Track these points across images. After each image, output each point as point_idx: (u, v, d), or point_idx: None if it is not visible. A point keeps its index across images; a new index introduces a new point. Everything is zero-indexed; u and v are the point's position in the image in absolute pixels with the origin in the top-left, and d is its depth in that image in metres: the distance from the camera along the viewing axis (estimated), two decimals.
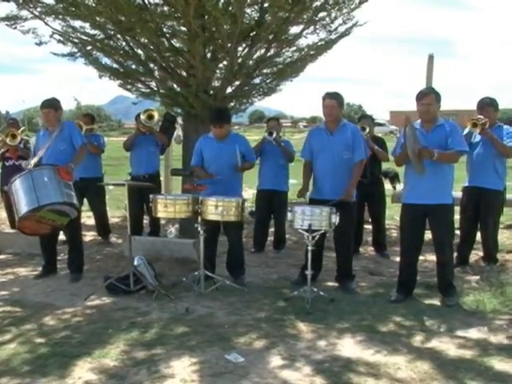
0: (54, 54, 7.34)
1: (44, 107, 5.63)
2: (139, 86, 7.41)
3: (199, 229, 5.08)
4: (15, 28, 7.14)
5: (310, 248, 4.82)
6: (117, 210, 9.27)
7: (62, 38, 7.03)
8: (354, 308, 4.78)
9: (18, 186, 5.04)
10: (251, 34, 6.85)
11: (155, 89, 7.40)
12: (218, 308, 4.80)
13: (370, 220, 6.99)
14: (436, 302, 4.92)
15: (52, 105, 5.64)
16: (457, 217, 5.74)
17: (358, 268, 6.05)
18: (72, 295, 5.21)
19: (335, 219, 4.75)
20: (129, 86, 7.47)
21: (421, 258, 5.94)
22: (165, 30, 6.94)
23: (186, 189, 5.33)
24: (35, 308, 4.83)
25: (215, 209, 4.96)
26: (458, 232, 6.02)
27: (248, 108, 7.94)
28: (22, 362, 3.71)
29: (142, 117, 6.76)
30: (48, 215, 5.03)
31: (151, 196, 5.18)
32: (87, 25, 6.82)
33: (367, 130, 6.33)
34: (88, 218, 8.10)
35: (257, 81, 7.74)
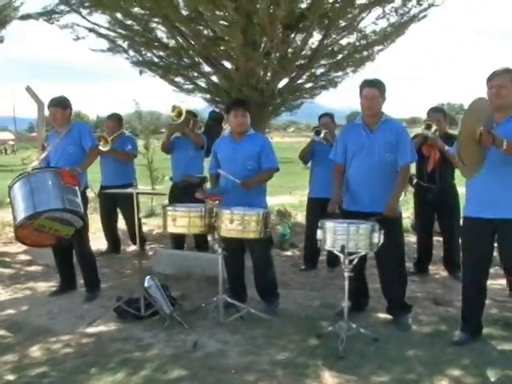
0: (93, 50, 6.86)
1: (51, 106, 5.08)
2: (180, 80, 6.75)
3: (216, 247, 4.27)
4: (52, 23, 6.77)
5: (346, 275, 3.87)
6: None
7: (96, 34, 6.54)
8: (402, 352, 3.75)
9: (16, 190, 4.50)
10: (303, 22, 5.98)
11: (198, 84, 6.70)
12: (233, 344, 3.95)
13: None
14: None
15: (59, 103, 5.07)
16: None
17: (421, 294, 5.00)
18: (77, 318, 4.56)
19: (377, 239, 3.76)
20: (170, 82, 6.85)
21: (497, 285, 4.82)
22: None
23: (197, 198, 4.40)
24: (30, 333, 4.22)
25: (231, 223, 4.09)
26: None
27: (302, 104, 7.01)
28: None
29: (172, 114, 6.06)
30: (48, 224, 4.44)
31: (161, 206, 4.44)
32: (120, 15, 6.26)
33: (433, 128, 5.23)
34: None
35: (317, 73, 6.86)
